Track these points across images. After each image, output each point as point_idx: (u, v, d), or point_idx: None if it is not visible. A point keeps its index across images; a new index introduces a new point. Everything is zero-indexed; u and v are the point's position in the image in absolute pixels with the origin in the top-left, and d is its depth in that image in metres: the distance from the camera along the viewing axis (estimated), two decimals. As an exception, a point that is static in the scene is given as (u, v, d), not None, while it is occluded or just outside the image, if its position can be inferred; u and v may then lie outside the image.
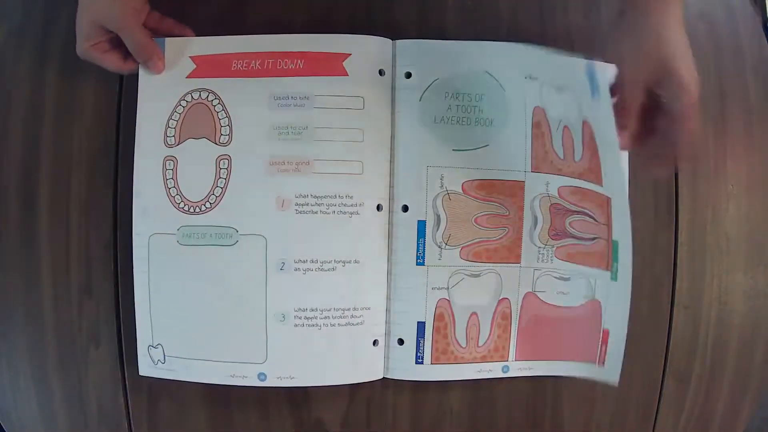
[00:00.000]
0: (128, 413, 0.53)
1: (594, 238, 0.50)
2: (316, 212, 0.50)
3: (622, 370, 0.56)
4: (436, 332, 0.52)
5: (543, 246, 0.52)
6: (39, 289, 0.53)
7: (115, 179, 0.54)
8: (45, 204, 0.54)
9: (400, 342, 0.52)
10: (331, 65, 0.51)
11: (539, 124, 0.52)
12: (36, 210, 0.54)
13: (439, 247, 0.51)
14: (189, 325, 0.50)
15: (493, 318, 0.52)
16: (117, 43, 0.49)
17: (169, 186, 0.50)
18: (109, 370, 0.53)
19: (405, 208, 0.51)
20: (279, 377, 0.50)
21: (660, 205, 0.58)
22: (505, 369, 0.53)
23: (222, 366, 0.50)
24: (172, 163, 0.50)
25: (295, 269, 0.50)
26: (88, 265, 0.53)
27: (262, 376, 0.50)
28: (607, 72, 0.43)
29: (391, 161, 0.52)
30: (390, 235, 0.52)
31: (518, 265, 0.53)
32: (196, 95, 0.51)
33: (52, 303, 0.53)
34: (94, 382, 0.53)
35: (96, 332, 0.53)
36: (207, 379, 0.51)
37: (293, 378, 0.51)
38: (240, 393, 0.52)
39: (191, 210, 0.50)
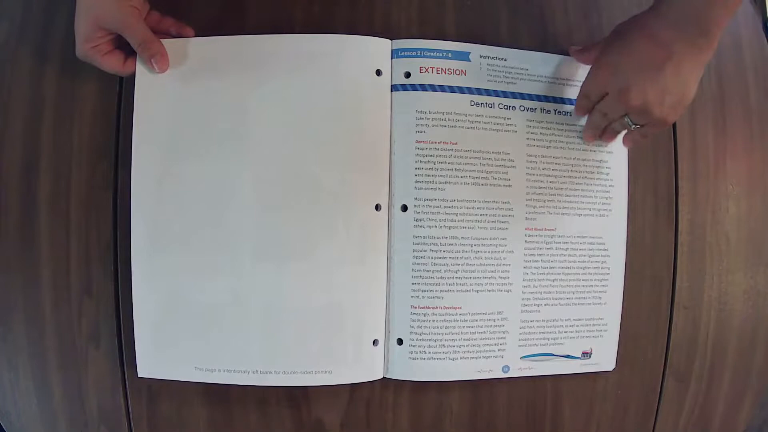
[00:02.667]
0: (128, 413, 0.53)
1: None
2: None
3: (622, 370, 0.56)
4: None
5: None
6: (39, 289, 0.53)
7: (115, 179, 0.54)
8: (45, 204, 0.54)
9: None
10: None
11: None
12: (36, 210, 0.54)
13: (439, 246, 0.52)
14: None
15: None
16: (117, 45, 0.50)
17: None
18: (109, 370, 0.53)
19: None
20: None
21: (660, 205, 0.58)
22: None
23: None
24: None
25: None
26: (88, 265, 0.53)
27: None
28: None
29: (390, 162, 0.52)
30: (389, 235, 0.52)
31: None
32: None
33: (52, 303, 0.53)
34: (94, 382, 0.53)
35: (96, 332, 0.53)
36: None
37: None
38: (240, 393, 0.52)
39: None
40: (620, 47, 0.47)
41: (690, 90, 0.45)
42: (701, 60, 0.45)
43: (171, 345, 0.50)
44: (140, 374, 0.51)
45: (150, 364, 0.51)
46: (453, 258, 0.51)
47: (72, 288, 0.53)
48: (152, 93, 0.51)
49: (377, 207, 0.51)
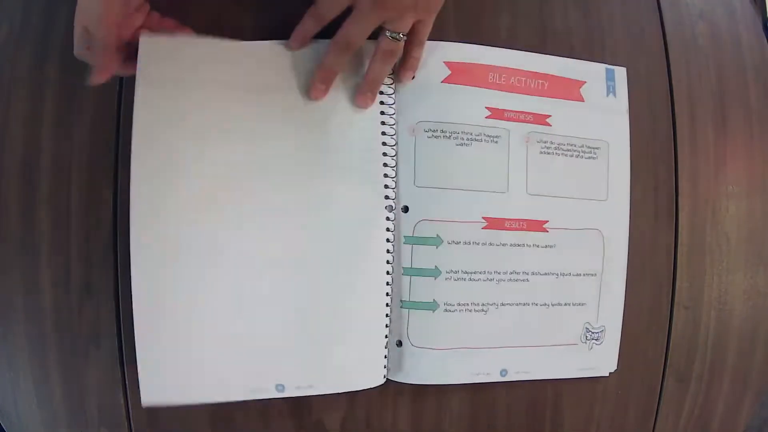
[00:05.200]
0: (128, 413, 0.54)
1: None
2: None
3: (622, 370, 0.56)
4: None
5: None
6: (39, 289, 0.53)
7: (115, 179, 0.54)
8: (45, 204, 0.54)
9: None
10: None
11: None
12: (36, 210, 0.54)
13: (439, 247, 0.52)
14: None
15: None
16: (117, 45, 0.50)
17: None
18: (109, 370, 0.53)
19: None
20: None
21: (660, 205, 0.58)
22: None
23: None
24: None
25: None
26: (88, 265, 0.53)
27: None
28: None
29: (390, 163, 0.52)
30: (389, 235, 0.52)
31: None
32: None
33: (52, 303, 0.53)
34: (94, 382, 0.53)
35: (96, 332, 0.53)
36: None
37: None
38: (240, 393, 0.52)
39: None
40: None
41: None
42: None
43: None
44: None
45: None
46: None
47: (72, 288, 0.53)
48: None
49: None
